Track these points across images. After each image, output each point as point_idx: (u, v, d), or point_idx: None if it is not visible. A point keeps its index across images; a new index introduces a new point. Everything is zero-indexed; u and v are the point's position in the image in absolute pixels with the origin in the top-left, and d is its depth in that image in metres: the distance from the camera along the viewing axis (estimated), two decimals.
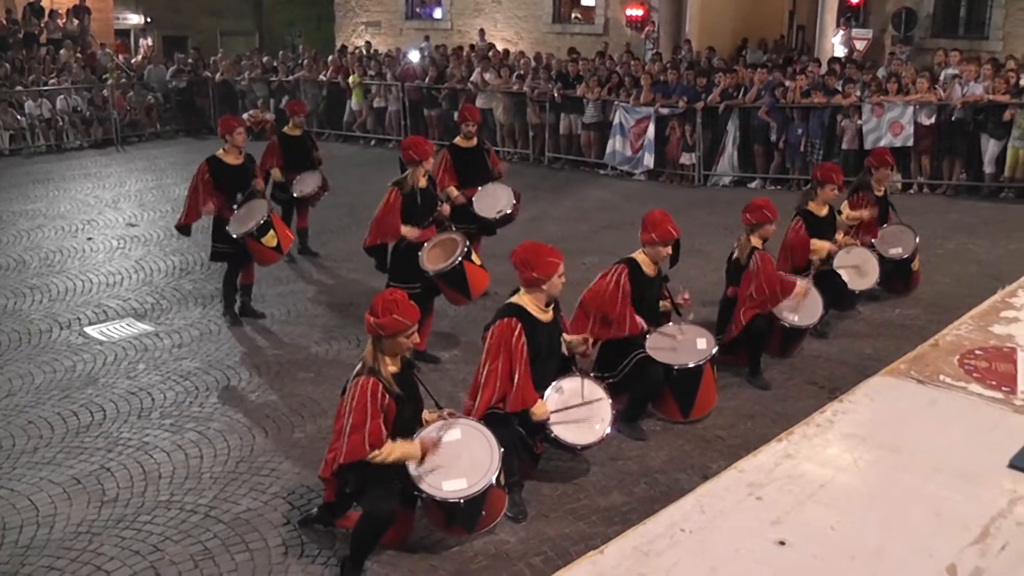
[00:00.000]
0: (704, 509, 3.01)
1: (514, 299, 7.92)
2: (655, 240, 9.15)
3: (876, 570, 2.74)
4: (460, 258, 10.35)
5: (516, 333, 7.66)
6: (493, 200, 12.69)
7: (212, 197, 11.88)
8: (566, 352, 8.35)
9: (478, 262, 10.73)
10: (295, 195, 14.86)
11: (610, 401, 8.14)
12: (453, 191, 12.53)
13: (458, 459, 6.94)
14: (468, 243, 10.59)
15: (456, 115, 24.68)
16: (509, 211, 12.67)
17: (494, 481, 6.88)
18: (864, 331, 11.77)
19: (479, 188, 12.76)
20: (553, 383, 8.03)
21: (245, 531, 7.59)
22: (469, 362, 9.65)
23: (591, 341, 8.53)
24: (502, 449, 7.05)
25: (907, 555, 2.79)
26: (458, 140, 13.26)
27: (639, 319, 9.15)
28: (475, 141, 13.18)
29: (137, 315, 12.67)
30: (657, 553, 2.78)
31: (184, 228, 12.36)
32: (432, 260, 10.49)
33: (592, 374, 8.66)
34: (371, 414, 6.68)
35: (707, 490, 3.14)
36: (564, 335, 8.33)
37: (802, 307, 10.43)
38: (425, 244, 10.66)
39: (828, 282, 11.16)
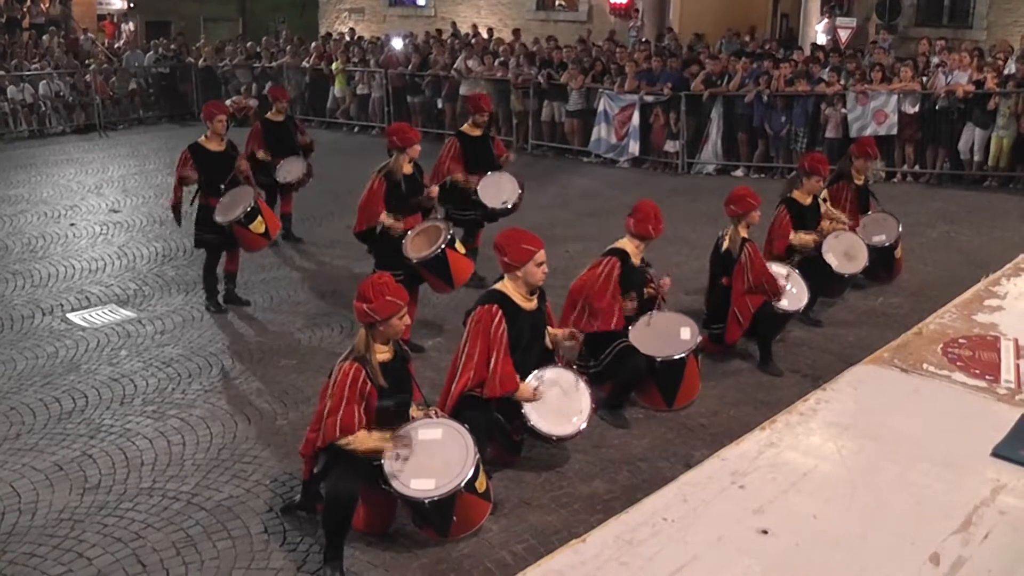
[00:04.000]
0: (687, 498, 3.01)
1: (498, 286, 7.91)
2: (650, 234, 9.16)
3: (858, 558, 2.74)
4: (443, 246, 10.31)
5: (496, 320, 7.64)
6: (498, 190, 12.73)
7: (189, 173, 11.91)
8: (550, 344, 8.32)
9: (462, 250, 10.68)
10: (279, 181, 14.84)
11: (590, 394, 8.12)
12: (460, 176, 12.57)
13: (432, 459, 6.87)
14: (452, 232, 10.56)
15: (439, 102, 25.12)
16: (512, 203, 12.73)
17: (462, 487, 6.78)
18: (848, 319, 11.79)
19: (486, 174, 12.80)
20: (534, 372, 8.00)
21: (227, 518, 7.57)
22: (453, 350, 9.62)
23: (579, 337, 8.48)
24: (478, 454, 7.00)
25: (890, 544, 2.80)
26: (466, 128, 13.20)
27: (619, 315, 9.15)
28: (482, 130, 13.15)
29: (120, 301, 12.63)
30: (639, 542, 2.78)
31: (176, 209, 12.33)
32: (415, 248, 10.46)
33: (576, 364, 8.64)
34: (348, 399, 6.68)
35: (690, 479, 3.14)
36: (549, 328, 8.32)
37: (786, 292, 10.42)
38: (409, 232, 10.65)
39: (816, 268, 11.18)
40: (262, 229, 11.79)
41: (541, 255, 7.81)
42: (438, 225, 10.69)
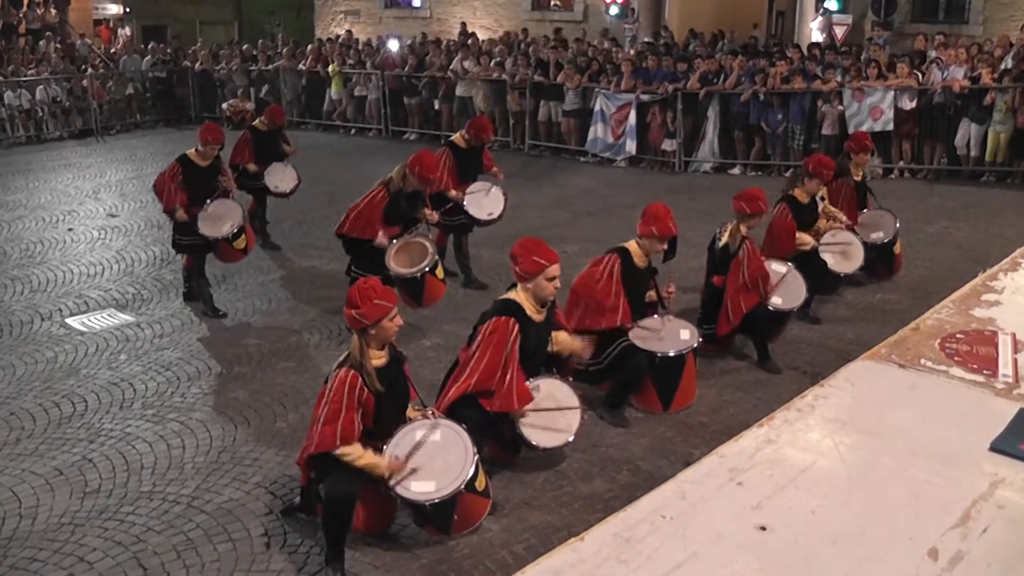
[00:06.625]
0: (685, 495, 3.01)
1: (512, 295, 7.85)
2: (654, 234, 9.09)
3: (857, 554, 2.74)
4: (427, 270, 10.64)
5: (513, 334, 7.62)
6: (487, 202, 12.88)
7: (181, 194, 11.98)
8: (563, 352, 8.32)
9: (440, 275, 10.97)
10: (272, 190, 14.91)
11: (581, 413, 8.12)
12: (453, 192, 12.60)
13: (432, 461, 6.89)
14: (436, 257, 10.84)
15: (436, 103, 25.13)
16: (498, 214, 12.88)
17: (463, 488, 6.80)
18: (846, 316, 11.80)
19: (475, 182, 12.93)
20: (532, 380, 8.00)
21: (227, 521, 7.57)
22: (451, 349, 9.62)
23: (592, 347, 8.47)
24: (477, 454, 7.01)
25: (888, 539, 2.80)
26: (457, 139, 13.26)
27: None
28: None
29: (118, 305, 12.64)
30: (638, 539, 2.78)
31: (172, 211, 12.36)
32: (398, 261, 10.67)
33: (578, 362, 8.63)
34: (346, 407, 6.67)
35: (688, 476, 3.14)
36: (563, 335, 8.32)
37: (783, 289, 10.41)
38: (394, 240, 10.76)
39: (811, 265, 11.18)
40: (243, 246, 12.25)
41: (553, 270, 7.73)
42: (424, 244, 10.92)
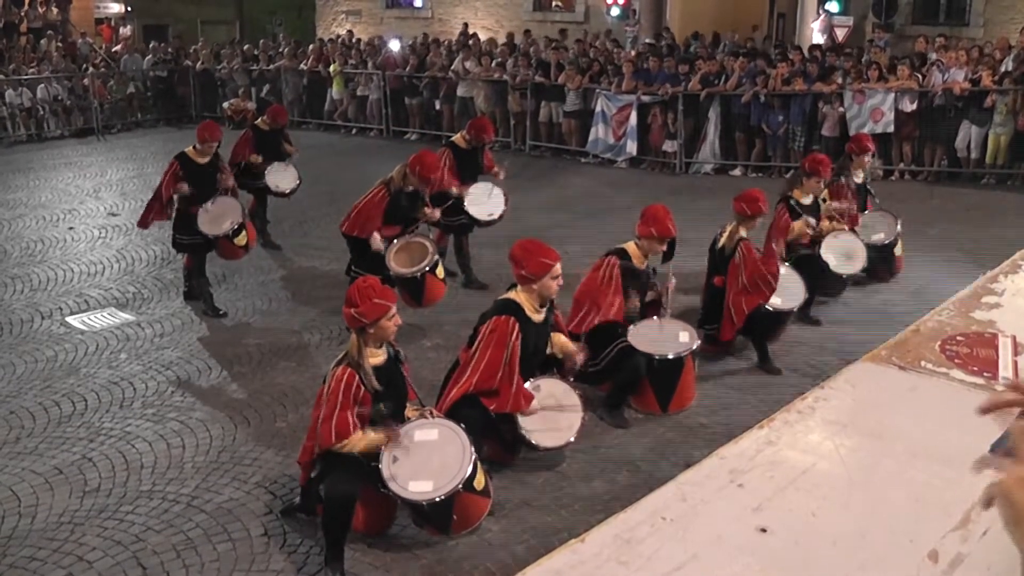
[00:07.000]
0: (685, 497, 3.01)
1: (511, 295, 7.88)
2: (653, 235, 9.14)
3: (857, 556, 2.74)
4: (427, 269, 10.66)
5: (514, 334, 7.64)
6: (488, 203, 12.84)
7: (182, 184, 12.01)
8: (559, 354, 8.33)
9: (440, 275, 11.00)
10: (273, 190, 14.90)
11: (582, 414, 8.13)
12: (455, 191, 12.58)
13: (429, 460, 6.88)
14: (436, 256, 10.87)
15: (436, 104, 25.13)
16: (498, 214, 12.84)
17: (460, 487, 6.79)
18: (846, 317, 11.78)
19: (475, 183, 12.90)
20: (532, 380, 8.01)
21: (227, 521, 7.57)
22: (451, 349, 9.62)
23: (580, 360, 8.45)
24: (475, 453, 7.00)
25: (888, 541, 2.80)
26: (457, 139, 13.26)
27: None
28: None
29: (119, 305, 12.63)
30: (638, 541, 2.78)
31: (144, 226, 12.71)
32: (398, 261, 10.70)
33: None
34: (341, 405, 6.69)
35: (688, 478, 3.14)
36: (560, 337, 8.32)
37: (781, 290, 10.39)
38: (395, 240, 10.77)
39: (812, 266, 11.17)
40: (244, 242, 12.23)
41: (557, 269, 7.81)
42: (424, 244, 10.96)
